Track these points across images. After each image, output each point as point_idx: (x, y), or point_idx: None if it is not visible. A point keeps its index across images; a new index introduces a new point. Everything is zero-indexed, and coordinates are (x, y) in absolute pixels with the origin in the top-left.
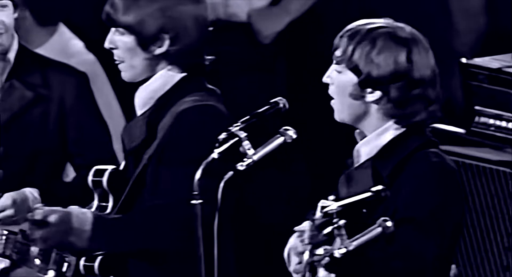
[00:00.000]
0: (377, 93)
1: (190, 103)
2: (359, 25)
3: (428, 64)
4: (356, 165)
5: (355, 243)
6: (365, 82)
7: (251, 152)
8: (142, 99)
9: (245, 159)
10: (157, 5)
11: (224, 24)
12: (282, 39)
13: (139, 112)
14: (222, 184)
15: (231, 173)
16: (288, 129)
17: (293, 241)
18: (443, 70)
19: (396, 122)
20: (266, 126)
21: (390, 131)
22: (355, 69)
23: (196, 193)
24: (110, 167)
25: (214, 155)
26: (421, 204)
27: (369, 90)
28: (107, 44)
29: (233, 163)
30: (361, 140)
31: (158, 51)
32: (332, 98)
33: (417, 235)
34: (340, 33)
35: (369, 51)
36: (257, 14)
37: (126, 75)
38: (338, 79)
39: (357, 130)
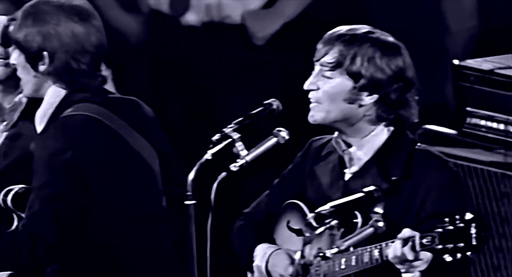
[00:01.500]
0: (375, 96)
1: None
2: (349, 30)
3: (412, 67)
4: (351, 169)
5: (347, 243)
6: (366, 85)
7: (244, 152)
8: (39, 118)
9: (238, 160)
10: (40, 24)
11: (218, 26)
12: (276, 41)
13: (39, 130)
14: (215, 185)
15: (224, 173)
16: (281, 131)
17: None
18: (436, 71)
19: (386, 125)
20: (259, 127)
21: (383, 133)
22: (355, 74)
23: (189, 193)
24: (17, 187)
25: (207, 155)
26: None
27: (366, 93)
28: (11, 61)
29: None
30: (346, 145)
31: (42, 68)
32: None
33: None
34: (327, 38)
35: (372, 55)
36: (251, 16)
37: (24, 92)
38: (329, 84)
39: (336, 136)
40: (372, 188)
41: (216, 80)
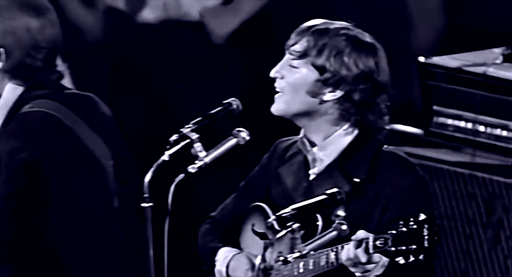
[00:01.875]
0: (338, 93)
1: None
2: (325, 23)
3: (387, 72)
4: (315, 170)
5: (309, 247)
6: (330, 80)
7: (202, 154)
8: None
9: (196, 161)
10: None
11: (175, 24)
12: (236, 39)
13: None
14: (172, 187)
15: (182, 175)
16: (241, 131)
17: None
18: (401, 69)
19: (351, 126)
20: (219, 128)
21: (347, 135)
22: (320, 66)
23: (146, 195)
24: None
25: (165, 157)
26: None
27: (329, 89)
28: None
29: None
30: (310, 144)
31: (0, 65)
32: (276, 92)
33: None
34: (302, 28)
35: (341, 50)
36: (209, 13)
37: None
38: (293, 74)
39: (302, 136)
40: (335, 190)
41: (174, 79)
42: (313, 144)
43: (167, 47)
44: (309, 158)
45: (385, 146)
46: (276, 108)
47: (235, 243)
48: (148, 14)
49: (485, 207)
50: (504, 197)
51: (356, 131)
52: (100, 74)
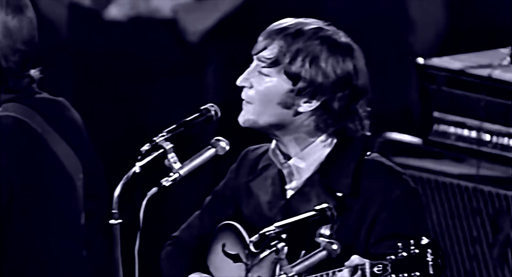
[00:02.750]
0: (314, 103)
1: None
2: (296, 24)
3: (366, 74)
4: (292, 185)
5: (296, 269)
6: (306, 90)
7: (177, 165)
8: None
9: (171, 174)
10: None
11: (145, 21)
12: (211, 39)
13: None
14: (144, 202)
15: (155, 189)
16: (220, 140)
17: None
18: (397, 71)
19: (329, 136)
20: (195, 136)
21: (326, 145)
22: (294, 75)
23: (114, 211)
24: None
25: (136, 168)
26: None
27: (305, 99)
28: None
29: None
30: (284, 157)
31: None
32: (242, 100)
33: None
34: (271, 31)
35: (316, 55)
36: (183, 9)
37: None
38: (263, 83)
39: (274, 148)
40: (324, 205)
41: (145, 82)
42: (287, 156)
43: (136, 47)
44: (285, 172)
45: (368, 153)
46: (244, 119)
47: (201, 267)
48: (115, 11)
49: (491, 224)
50: (511, 212)
51: (334, 141)
52: (64, 75)
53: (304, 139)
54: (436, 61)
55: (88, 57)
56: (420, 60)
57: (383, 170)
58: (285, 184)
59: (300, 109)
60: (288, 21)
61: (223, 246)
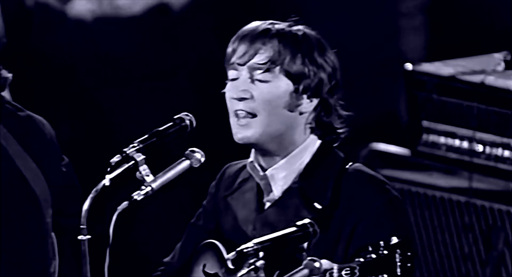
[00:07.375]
0: (315, 101)
1: None
2: (271, 24)
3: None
4: (270, 197)
5: None
6: (309, 87)
7: (149, 178)
8: None
9: (142, 187)
10: None
11: (110, 19)
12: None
13: None
14: (114, 217)
15: (125, 203)
16: (195, 152)
17: None
18: (383, 77)
19: (314, 136)
20: (169, 147)
21: (308, 151)
22: (297, 74)
23: (83, 226)
24: None
25: (105, 181)
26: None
27: (305, 98)
28: None
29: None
30: (262, 169)
31: None
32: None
33: None
34: (250, 38)
35: (311, 52)
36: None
37: None
38: (265, 90)
39: (251, 161)
40: (306, 221)
41: (113, 87)
42: (265, 169)
43: (102, 48)
44: (262, 184)
45: (350, 163)
46: (248, 135)
47: None
48: (80, 7)
49: (484, 240)
50: (506, 228)
51: (316, 146)
52: (25, 79)
53: (290, 144)
54: (425, 67)
55: (52, 59)
56: (409, 66)
57: (364, 179)
58: (263, 197)
59: (304, 109)
60: (259, 24)
61: (204, 266)
